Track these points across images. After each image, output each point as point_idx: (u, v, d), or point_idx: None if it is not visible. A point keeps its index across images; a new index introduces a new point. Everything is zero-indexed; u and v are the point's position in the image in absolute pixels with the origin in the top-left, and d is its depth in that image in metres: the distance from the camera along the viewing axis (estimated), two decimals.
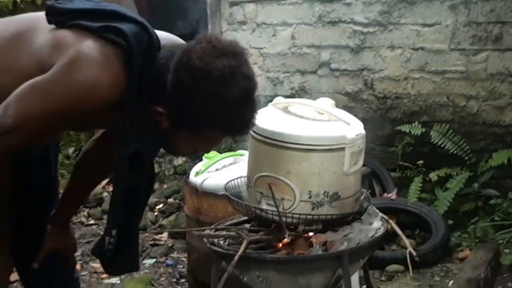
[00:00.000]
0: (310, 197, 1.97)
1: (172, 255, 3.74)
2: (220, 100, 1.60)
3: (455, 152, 3.86)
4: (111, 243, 1.80)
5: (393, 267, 3.34)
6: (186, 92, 1.60)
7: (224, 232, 2.06)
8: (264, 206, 2.01)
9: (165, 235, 3.99)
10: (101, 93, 1.59)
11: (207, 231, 2.09)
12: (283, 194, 1.98)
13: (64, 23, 1.71)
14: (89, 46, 1.63)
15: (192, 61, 1.59)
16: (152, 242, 3.90)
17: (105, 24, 1.66)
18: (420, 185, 3.79)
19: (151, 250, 3.78)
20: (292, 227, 1.99)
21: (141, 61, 1.64)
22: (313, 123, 2.02)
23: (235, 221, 2.26)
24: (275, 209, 1.95)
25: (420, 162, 3.89)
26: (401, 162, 3.97)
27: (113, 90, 1.60)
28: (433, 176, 3.80)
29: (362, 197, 2.14)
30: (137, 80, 1.64)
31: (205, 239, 2.03)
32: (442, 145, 3.88)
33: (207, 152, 1.81)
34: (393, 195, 3.74)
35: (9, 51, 1.71)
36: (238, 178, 2.25)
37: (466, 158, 3.85)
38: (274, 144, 1.98)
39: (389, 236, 2.55)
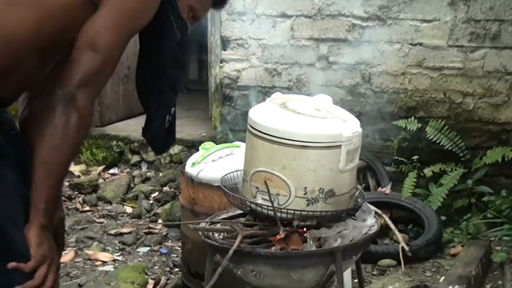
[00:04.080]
0: (305, 193, 1.99)
1: (166, 243, 3.76)
2: None
3: (450, 148, 3.88)
4: (169, 120, 1.87)
5: (385, 262, 3.37)
6: None
7: (219, 226, 2.08)
8: (260, 201, 2.03)
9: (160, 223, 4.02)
10: None
11: (202, 224, 2.11)
12: (279, 190, 2.00)
13: None
14: None
15: None
16: (146, 230, 3.92)
17: None
18: (415, 180, 3.81)
19: (146, 238, 3.80)
20: (287, 222, 2.01)
21: None
22: (310, 119, 2.03)
23: (230, 214, 2.28)
24: (270, 204, 1.97)
25: (415, 157, 3.91)
26: (396, 157, 3.99)
27: None
28: (427, 171, 3.83)
29: (356, 194, 2.16)
30: None
31: (200, 232, 2.05)
32: (438, 141, 3.90)
33: (199, 17, 1.88)
34: (387, 189, 3.76)
35: None
36: (235, 171, 2.27)
37: (461, 154, 3.87)
38: (270, 139, 2.00)
39: (382, 231, 2.57)
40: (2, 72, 1.66)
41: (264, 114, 2.06)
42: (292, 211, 1.98)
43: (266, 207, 2.00)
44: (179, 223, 3.34)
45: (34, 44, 1.67)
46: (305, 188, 1.99)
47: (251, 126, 2.06)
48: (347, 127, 2.03)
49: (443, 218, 3.67)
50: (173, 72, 1.84)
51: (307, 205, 2.00)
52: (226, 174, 2.25)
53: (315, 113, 2.07)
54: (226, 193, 2.13)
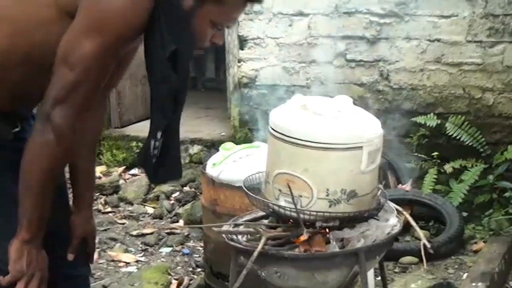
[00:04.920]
0: (327, 195, 2.00)
1: (188, 243, 3.78)
2: None
3: (470, 144, 3.87)
4: (157, 147, 1.76)
5: (407, 259, 3.38)
6: None
7: (242, 229, 2.10)
8: (282, 203, 2.04)
9: (181, 223, 4.05)
10: (140, 2, 1.59)
11: (225, 227, 2.13)
12: (301, 191, 2.01)
13: None
14: None
15: None
16: (168, 230, 3.95)
17: None
18: (435, 176, 3.80)
19: (168, 238, 3.83)
20: (310, 224, 2.02)
21: None
22: (331, 121, 2.04)
23: (253, 215, 2.30)
24: (293, 206, 1.98)
25: (435, 153, 3.91)
26: (416, 154, 3.98)
27: None
28: (448, 167, 3.82)
29: (378, 194, 2.16)
30: None
31: (223, 235, 2.07)
32: (458, 137, 3.89)
33: (221, 36, 1.77)
34: (407, 186, 3.76)
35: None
36: (256, 173, 2.28)
37: (482, 150, 3.86)
38: (292, 142, 2.01)
39: (403, 228, 2.57)
40: None
41: (285, 116, 2.07)
42: (315, 213, 1.99)
43: (289, 209, 2.01)
44: (202, 226, 3.36)
45: (10, 58, 1.65)
46: (327, 189, 2.00)
47: (272, 129, 2.08)
48: (368, 128, 2.03)
49: (464, 214, 3.67)
50: (160, 90, 1.73)
51: (330, 206, 2.00)
52: (248, 176, 2.27)
53: (336, 115, 2.07)
54: (248, 195, 2.14)
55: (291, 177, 2.01)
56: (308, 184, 2.00)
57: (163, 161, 1.78)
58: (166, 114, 1.74)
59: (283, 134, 2.03)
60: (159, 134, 1.74)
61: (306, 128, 2.00)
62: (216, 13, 1.68)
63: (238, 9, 1.74)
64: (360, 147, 2.00)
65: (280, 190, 2.05)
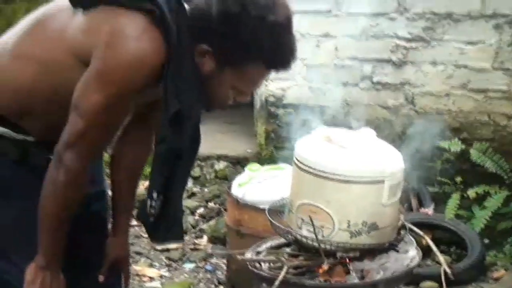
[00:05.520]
0: (348, 226, 2.05)
1: (211, 260, 3.85)
2: (267, 25, 1.64)
3: (494, 170, 3.89)
4: (153, 206, 1.80)
5: (427, 284, 3.40)
6: (234, 20, 1.64)
7: (265, 257, 2.16)
8: (304, 232, 2.10)
9: (205, 239, 4.12)
10: (150, 61, 1.63)
11: (248, 255, 2.19)
12: (323, 222, 2.06)
13: (89, 2, 1.72)
14: (122, 21, 1.66)
15: None
16: (192, 246, 4.01)
17: None
18: (458, 201, 3.83)
19: (191, 254, 3.90)
20: (331, 254, 2.08)
21: (174, 19, 1.67)
22: (353, 154, 2.09)
23: (275, 241, 2.35)
24: (314, 236, 2.03)
25: (459, 178, 3.93)
26: (439, 178, 4.01)
27: (158, 55, 1.64)
28: (471, 193, 3.84)
29: (399, 226, 2.21)
30: (175, 39, 1.66)
31: (247, 263, 2.13)
32: (482, 163, 3.91)
33: (245, 96, 1.83)
34: (430, 210, 3.79)
35: (40, 42, 1.75)
36: (280, 199, 2.34)
37: (505, 177, 3.88)
38: (315, 174, 2.06)
39: (424, 252, 2.61)
40: (21, 114, 1.78)
41: (309, 149, 2.12)
42: (336, 243, 2.04)
43: (310, 238, 2.06)
44: (225, 252, 3.42)
45: (37, 93, 1.75)
46: (349, 221, 2.05)
47: (297, 159, 2.13)
48: (390, 162, 2.08)
49: (486, 241, 3.68)
50: (157, 150, 1.77)
51: (351, 237, 2.06)
52: (272, 203, 2.33)
53: (359, 148, 2.13)
54: (272, 223, 2.20)
55: (314, 208, 2.07)
56: (330, 215, 2.05)
57: (162, 220, 1.82)
58: (162, 174, 1.77)
59: (307, 166, 2.08)
60: (155, 194, 1.78)
61: (329, 161, 2.05)
62: (237, 78, 1.71)
63: (260, 77, 1.76)
64: (382, 181, 2.04)
65: (302, 220, 2.10)
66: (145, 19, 1.67)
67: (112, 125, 1.73)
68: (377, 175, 2.05)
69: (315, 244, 2.05)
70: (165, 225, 1.87)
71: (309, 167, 2.08)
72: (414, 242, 2.24)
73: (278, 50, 1.70)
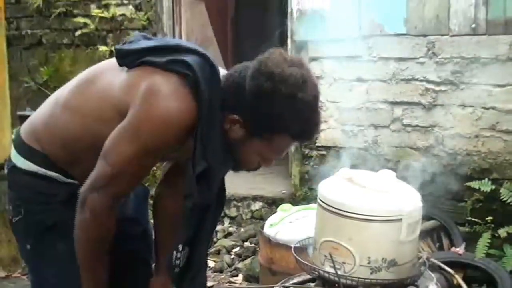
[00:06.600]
0: (369, 262, 2.17)
1: None
2: (296, 103, 1.78)
3: None
4: (179, 258, 1.90)
5: None
6: (265, 95, 1.76)
7: None
8: (327, 268, 2.22)
9: (240, 277, 4.24)
10: (179, 120, 1.76)
11: None
12: (344, 258, 2.18)
13: (133, 62, 1.88)
14: (158, 80, 1.80)
15: (269, 68, 1.77)
16: (227, 284, 4.13)
17: (171, 58, 1.84)
18: (489, 241, 3.88)
19: None
20: None
21: (207, 85, 1.80)
22: (373, 194, 2.22)
23: (302, 277, 2.48)
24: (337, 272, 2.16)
25: (489, 218, 3.99)
26: (470, 218, 4.07)
27: (188, 115, 1.77)
28: (502, 232, 3.89)
29: (419, 262, 2.31)
30: (206, 102, 1.79)
31: None
32: None
33: (270, 162, 1.93)
34: (461, 249, 3.84)
35: (88, 98, 1.92)
36: (306, 238, 2.48)
37: None
38: (338, 213, 2.19)
39: None
40: (69, 161, 1.94)
41: (332, 189, 2.26)
42: (357, 279, 2.16)
43: (333, 274, 2.18)
44: (257, 286, 3.53)
45: (81, 142, 1.90)
46: (369, 257, 2.17)
47: (320, 200, 2.27)
48: (408, 201, 2.20)
49: None
50: (186, 205, 1.87)
51: (371, 273, 2.17)
52: (298, 241, 2.46)
53: (379, 188, 2.25)
54: (297, 260, 2.33)
55: (336, 245, 2.20)
56: (351, 252, 2.17)
57: (187, 271, 1.92)
58: (188, 228, 1.89)
59: (329, 206, 2.22)
60: (180, 246, 1.90)
61: (350, 201, 2.18)
62: (263, 147, 1.85)
63: (285, 147, 1.90)
64: (400, 219, 2.16)
65: (325, 256, 2.23)
66: (179, 80, 1.81)
67: (138, 175, 1.85)
68: (395, 214, 2.17)
69: (337, 279, 2.17)
70: (190, 276, 1.98)
71: (331, 206, 2.21)
72: (434, 278, 2.34)
73: (305, 126, 1.84)
